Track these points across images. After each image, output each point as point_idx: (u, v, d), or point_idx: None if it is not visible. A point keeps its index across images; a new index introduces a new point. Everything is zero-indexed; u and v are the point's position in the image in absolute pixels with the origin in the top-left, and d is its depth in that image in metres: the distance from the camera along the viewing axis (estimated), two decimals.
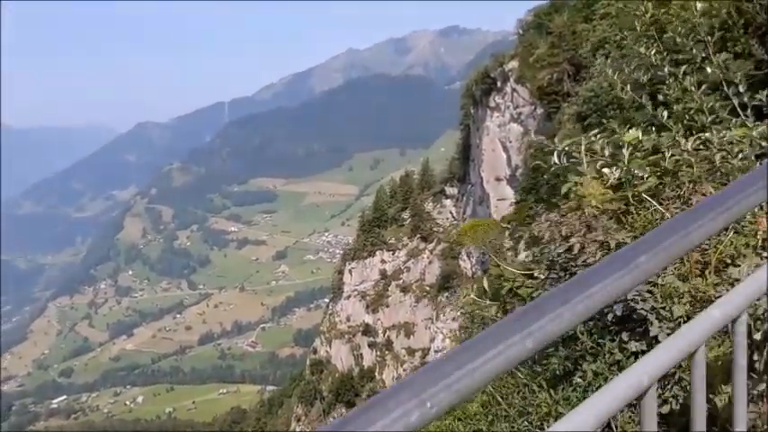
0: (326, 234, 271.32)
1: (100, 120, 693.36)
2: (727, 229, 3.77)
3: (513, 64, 37.55)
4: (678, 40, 5.62)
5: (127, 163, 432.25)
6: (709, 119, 5.12)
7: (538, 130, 34.27)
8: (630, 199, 4.65)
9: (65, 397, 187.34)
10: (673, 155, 4.68)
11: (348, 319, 65.24)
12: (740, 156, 4.55)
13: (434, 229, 62.30)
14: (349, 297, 66.23)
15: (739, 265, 3.64)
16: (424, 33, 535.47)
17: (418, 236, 62.86)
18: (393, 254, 64.75)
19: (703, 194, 4.39)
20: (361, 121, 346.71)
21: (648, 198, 4.56)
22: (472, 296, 4.65)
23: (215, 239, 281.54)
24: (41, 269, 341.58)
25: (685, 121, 5.25)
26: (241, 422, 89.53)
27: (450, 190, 62.24)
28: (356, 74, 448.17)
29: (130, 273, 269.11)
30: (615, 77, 5.77)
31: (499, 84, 40.37)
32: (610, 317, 3.68)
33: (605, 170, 4.77)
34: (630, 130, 4.80)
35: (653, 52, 5.55)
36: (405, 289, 60.34)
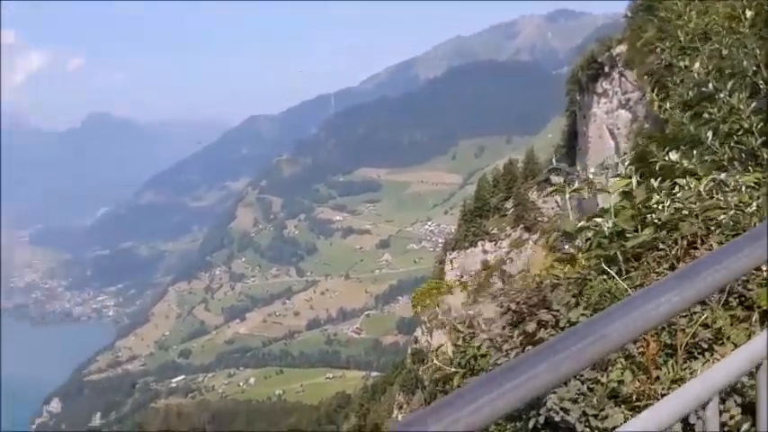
0: (429, 223, 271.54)
1: (214, 113, 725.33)
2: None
3: (621, 48, 35.93)
4: (725, 51, 5.02)
5: (239, 155, 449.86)
6: (759, 141, 4.49)
7: (647, 117, 32.69)
8: (619, 257, 3.90)
9: (183, 377, 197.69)
10: (674, 201, 3.95)
11: (449, 310, 64.94)
12: (755, 205, 3.81)
13: (539, 219, 60.86)
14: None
15: (715, 351, 2.87)
16: (531, 18, 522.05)
17: (522, 226, 61.61)
18: (495, 244, 63.67)
19: (708, 249, 3.59)
20: (466, 108, 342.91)
21: (606, 267, 3.81)
22: (437, 362, 4.14)
23: (321, 228, 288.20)
24: (162, 256, 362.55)
25: (732, 144, 4.63)
26: (346, 407, 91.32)
27: (555, 179, 60.55)
28: (462, 61, 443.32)
29: (243, 260, 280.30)
30: (654, 94, 5.17)
31: (606, 69, 38.79)
32: (532, 423, 3.03)
33: (598, 219, 4.05)
34: (671, 154, 4.18)
35: (696, 65, 4.91)
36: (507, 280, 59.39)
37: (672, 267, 3.72)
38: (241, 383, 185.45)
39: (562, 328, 3.48)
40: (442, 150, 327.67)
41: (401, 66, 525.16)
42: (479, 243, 64.51)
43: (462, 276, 65.53)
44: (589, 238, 4.14)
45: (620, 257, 3.90)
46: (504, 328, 3.89)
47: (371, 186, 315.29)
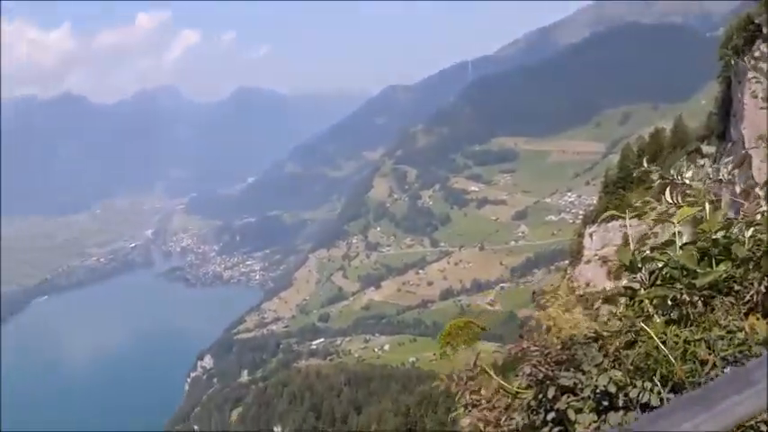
0: (569, 194, 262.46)
1: (354, 85, 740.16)
2: None
3: None
4: None
5: (376, 125, 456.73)
6: None
7: None
8: (686, 297, 3.06)
9: (322, 339, 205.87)
10: (754, 235, 3.14)
11: (587, 285, 62.94)
12: None
13: (687, 191, 57.29)
14: (589, 262, 63.71)
15: None
16: None
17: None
18: (639, 218, 60.83)
19: None
20: (610, 74, 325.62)
21: (646, 328, 2.92)
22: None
23: (455, 199, 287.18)
24: (304, 224, 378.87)
25: None
26: (476, 379, 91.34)
27: (706, 149, 56.48)
28: (605, 25, 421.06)
29: (378, 229, 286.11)
30: None
31: (765, 30, 35.47)
32: None
33: (668, 249, 3.33)
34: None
35: None
36: None
37: (747, 314, 2.91)
38: (376, 349, 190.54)
39: (588, 397, 2.74)
40: (584, 119, 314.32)
41: (540, 32, 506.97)
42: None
43: (602, 249, 63.22)
44: (653, 271, 3.33)
45: (687, 298, 3.09)
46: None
47: (508, 156, 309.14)
